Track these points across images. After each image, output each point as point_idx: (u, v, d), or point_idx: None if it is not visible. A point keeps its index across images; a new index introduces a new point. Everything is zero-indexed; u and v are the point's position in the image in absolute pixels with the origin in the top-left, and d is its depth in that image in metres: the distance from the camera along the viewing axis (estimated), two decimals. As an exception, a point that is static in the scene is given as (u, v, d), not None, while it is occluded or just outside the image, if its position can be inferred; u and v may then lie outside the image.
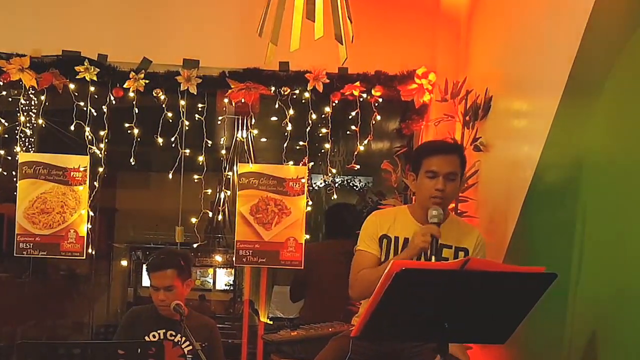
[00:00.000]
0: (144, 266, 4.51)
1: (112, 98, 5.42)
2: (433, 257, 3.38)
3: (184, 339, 4.29)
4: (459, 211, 4.91)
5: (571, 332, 3.33)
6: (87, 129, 5.40)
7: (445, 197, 3.59)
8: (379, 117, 5.48)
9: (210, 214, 5.69)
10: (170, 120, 5.47)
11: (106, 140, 5.45)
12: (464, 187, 4.90)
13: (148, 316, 4.40)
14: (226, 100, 5.47)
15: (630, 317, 2.78)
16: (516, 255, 4.12)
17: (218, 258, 11.58)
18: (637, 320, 2.71)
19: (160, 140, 5.48)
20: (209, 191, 5.59)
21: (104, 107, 5.43)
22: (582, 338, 3.19)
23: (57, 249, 5.40)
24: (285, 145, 5.45)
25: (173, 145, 5.47)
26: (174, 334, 4.32)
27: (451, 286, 2.74)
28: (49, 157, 5.42)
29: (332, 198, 5.70)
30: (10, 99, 5.46)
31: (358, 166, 5.56)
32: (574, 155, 3.42)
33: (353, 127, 5.49)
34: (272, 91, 5.44)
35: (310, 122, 5.45)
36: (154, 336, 4.31)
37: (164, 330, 4.33)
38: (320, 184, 6.97)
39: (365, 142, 5.50)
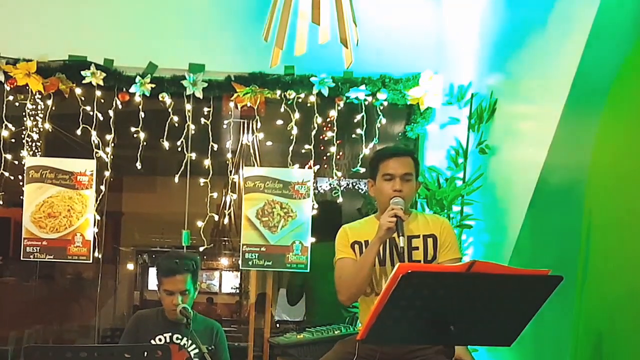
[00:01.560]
0: (155, 270, 4.51)
1: (118, 102, 5.43)
2: (401, 238, 3.49)
3: (190, 342, 4.30)
4: (464, 214, 4.93)
5: (577, 334, 3.33)
6: (94, 133, 5.42)
7: (403, 198, 3.71)
8: (384, 121, 5.48)
9: (216, 218, 5.69)
10: (176, 124, 5.49)
11: (112, 145, 5.47)
12: (469, 189, 4.92)
13: (154, 320, 4.42)
14: (232, 104, 5.48)
15: (636, 319, 2.78)
16: (522, 258, 4.13)
17: (224, 261, 11.57)
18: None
19: (166, 144, 5.49)
20: (215, 195, 5.59)
21: (110, 111, 5.44)
22: (589, 340, 3.20)
23: (63, 252, 5.42)
24: (290, 148, 5.46)
25: (179, 149, 5.48)
26: (180, 337, 4.33)
27: (457, 289, 2.75)
28: (55, 162, 5.44)
29: (338, 201, 5.70)
30: (17, 104, 5.47)
31: (364, 169, 5.56)
32: (579, 157, 3.42)
33: (358, 131, 5.49)
34: (277, 95, 5.45)
35: (315, 125, 5.46)
36: (159, 339, 4.32)
37: (169, 334, 4.35)
38: (326, 187, 6.97)
39: (371, 145, 5.50)
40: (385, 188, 3.74)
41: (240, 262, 5.52)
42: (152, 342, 4.29)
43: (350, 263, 3.78)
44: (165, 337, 4.34)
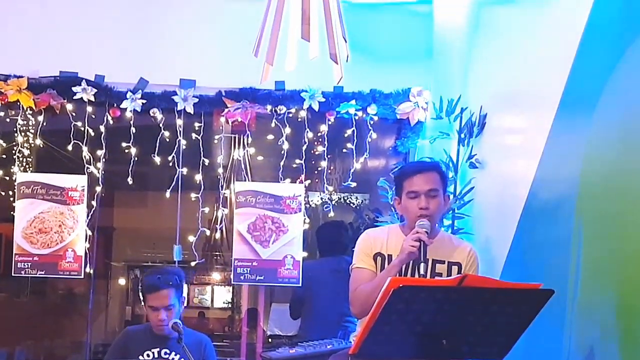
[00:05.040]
0: (140, 287, 4.53)
1: (109, 118, 5.42)
2: (422, 265, 3.42)
3: (178, 356, 4.29)
4: (455, 228, 4.94)
5: (569, 347, 3.35)
6: (85, 148, 5.41)
7: (430, 215, 3.62)
8: (374, 135, 5.49)
9: (208, 232, 5.70)
10: (167, 140, 5.48)
11: (104, 160, 5.46)
12: (459, 203, 4.93)
13: (142, 336, 4.41)
14: (223, 119, 5.48)
15: (627, 331, 2.79)
16: (513, 272, 4.14)
17: (216, 276, 11.58)
18: (634, 335, 2.73)
19: (157, 159, 5.48)
20: (207, 209, 5.59)
21: (101, 127, 5.43)
22: (580, 353, 3.21)
23: (55, 268, 5.40)
24: (281, 163, 5.46)
25: (170, 164, 5.47)
26: (168, 352, 4.32)
27: (448, 302, 2.76)
28: (46, 177, 5.42)
29: (329, 215, 5.71)
30: (8, 120, 5.46)
31: (354, 184, 5.58)
32: (569, 171, 3.44)
33: (349, 145, 5.50)
34: (268, 110, 5.45)
35: (306, 140, 5.46)
36: (148, 355, 4.32)
37: (158, 349, 4.34)
38: (317, 201, 6.99)
39: (361, 159, 5.51)
40: (411, 206, 3.65)
41: (232, 276, 5.52)
42: (141, 358, 4.29)
43: (368, 276, 3.70)
44: (153, 353, 4.33)
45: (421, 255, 3.43)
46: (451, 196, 3.92)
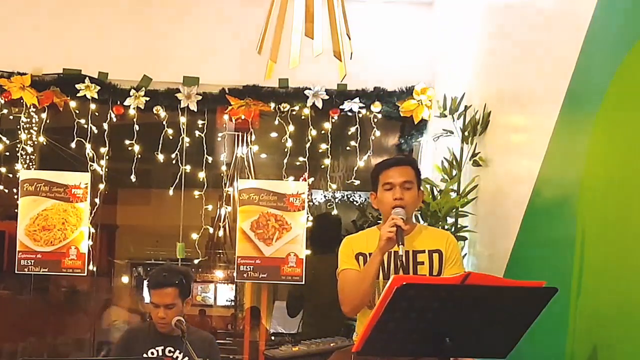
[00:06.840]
0: (145, 282, 4.51)
1: (112, 115, 5.44)
2: (401, 247, 3.46)
3: (182, 354, 4.28)
4: (458, 226, 4.93)
5: (572, 346, 3.34)
6: (88, 146, 5.42)
7: (405, 205, 3.68)
8: (378, 133, 5.50)
9: (211, 230, 5.70)
10: (171, 137, 5.50)
11: (107, 157, 5.48)
12: (463, 201, 4.92)
13: (146, 333, 4.39)
14: (226, 117, 5.49)
15: (631, 331, 2.78)
16: (516, 270, 4.13)
17: (219, 274, 11.56)
18: (638, 335, 2.72)
19: (160, 157, 5.50)
20: (210, 207, 5.60)
21: (104, 124, 5.45)
22: (583, 352, 3.20)
23: (58, 265, 5.41)
24: (285, 161, 5.47)
25: (173, 161, 5.49)
26: (172, 350, 4.31)
27: (452, 300, 2.75)
28: (50, 175, 5.44)
29: (332, 214, 5.71)
30: (11, 117, 5.48)
31: (358, 181, 5.57)
32: (573, 169, 3.43)
33: (352, 143, 5.51)
34: (271, 107, 5.46)
35: (309, 138, 5.47)
36: (152, 353, 4.30)
37: (162, 347, 4.32)
38: (321, 199, 6.99)
39: (365, 157, 5.52)
40: (386, 197, 3.71)
41: (235, 274, 5.52)
42: (145, 356, 4.27)
43: (353, 274, 3.73)
44: (157, 351, 4.31)
45: (398, 240, 3.49)
46: (423, 192, 4.00)
